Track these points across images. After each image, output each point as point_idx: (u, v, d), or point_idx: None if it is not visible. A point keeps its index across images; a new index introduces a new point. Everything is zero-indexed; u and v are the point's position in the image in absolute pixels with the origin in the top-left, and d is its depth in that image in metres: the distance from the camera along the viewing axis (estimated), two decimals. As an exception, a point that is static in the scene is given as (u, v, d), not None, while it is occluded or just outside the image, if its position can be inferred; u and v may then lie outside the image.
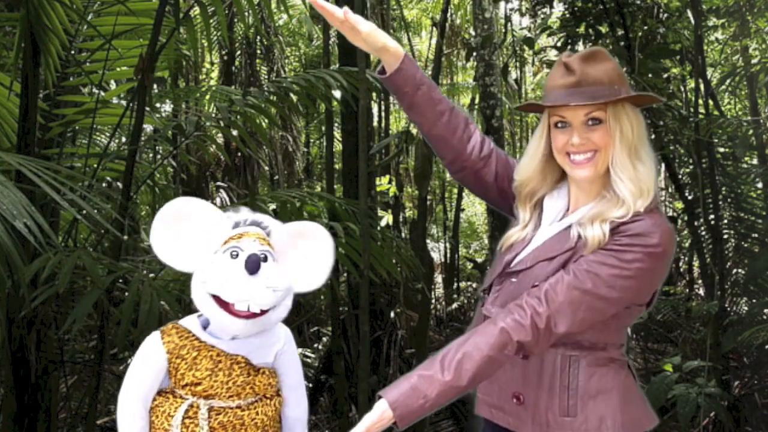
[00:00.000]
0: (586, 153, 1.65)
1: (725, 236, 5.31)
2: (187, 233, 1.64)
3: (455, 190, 11.68)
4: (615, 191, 1.63)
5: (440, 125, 1.85)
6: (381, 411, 1.55)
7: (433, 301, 8.81)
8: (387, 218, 7.18)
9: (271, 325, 1.67)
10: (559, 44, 5.33)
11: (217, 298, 1.58)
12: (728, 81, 6.98)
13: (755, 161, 6.34)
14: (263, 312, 1.60)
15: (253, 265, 1.56)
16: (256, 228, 1.67)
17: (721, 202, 5.25)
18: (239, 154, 9.23)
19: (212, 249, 1.64)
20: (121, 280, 3.30)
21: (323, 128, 8.76)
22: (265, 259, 1.61)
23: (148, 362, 1.64)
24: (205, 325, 1.68)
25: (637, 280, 1.59)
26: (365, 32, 1.76)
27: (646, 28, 5.19)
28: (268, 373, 1.69)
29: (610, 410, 1.63)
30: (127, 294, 2.83)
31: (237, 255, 1.59)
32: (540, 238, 1.74)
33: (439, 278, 10.60)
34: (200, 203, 1.69)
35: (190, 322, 1.68)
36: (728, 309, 5.03)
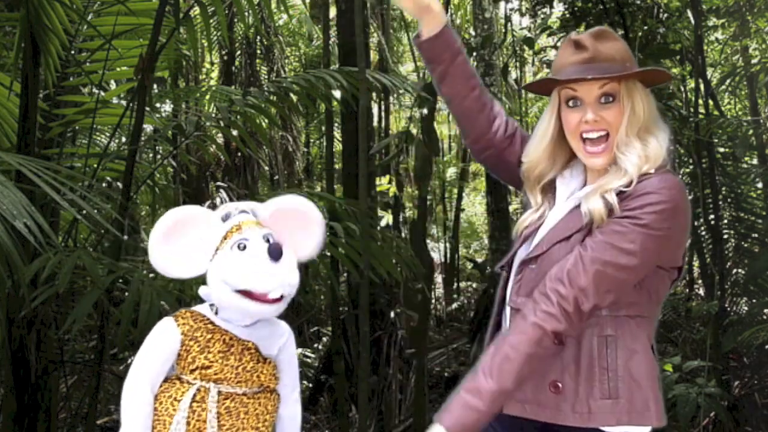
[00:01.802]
0: (599, 132, 1.63)
1: (725, 236, 5.31)
2: (187, 241, 1.65)
3: (455, 190, 11.69)
4: (619, 164, 1.62)
5: (471, 99, 1.82)
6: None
7: (433, 301, 8.82)
8: (387, 218, 7.18)
9: (288, 301, 1.68)
10: (559, 44, 5.33)
11: (244, 293, 1.60)
12: (728, 81, 6.99)
13: (755, 161, 6.34)
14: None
15: (277, 252, 1.59)
16: (247, 215, 1.69)
17: (721, 202, 5.25)
18: (239, 154, 9.22)
19: (211, 248, 1.65)
20: (121, 280, 3.30)
21: (323, 128, 8.76)
22: (269, 242, 1.63)
23: (162, 344, 1.64)
24: (215, 312, 1.70)
25: (655, 241, 1.56)
26: None
27: (646, 28, 5.19)
28: (273, 364, 1.72)
29: (653, 393, 1.61)
30: (127, 294, 2.83)
31: (245, 247, 1.61)
32: (553, 218, 1.72)
33: (439, 278, 10.61)
34: (193, 209, 1.70)
35: (202, 308, 1.70)
36: (728, 309, 5.03)
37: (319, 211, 1.77)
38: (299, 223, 1.73)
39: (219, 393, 1.62)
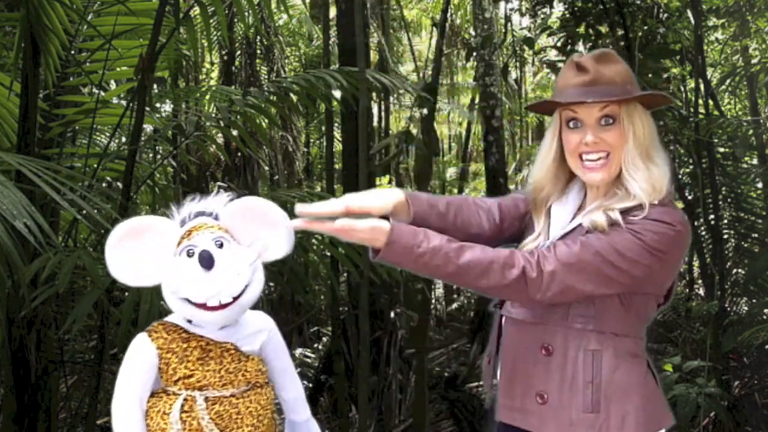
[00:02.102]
0: (599, 153, 1.64)
1: (725, 236, 5.31)
2: (143, 250, 1.63)
3: (455, 191, 11.68)
4: (627, 188, 1.63)
5: (458, 229, 1.78)
6: (378, 225, 1.55)
7: (433, 301, 8.81)
8: (387, 218, 7.16)
9: (250, 303, 1.66)
10: (559, 44, 5.33)
11: (187, 300, 1.59)
12: (728, 81, 6.99)
13: (755, 161, 6.34)
14: (237, 296, 1.60)
15: (207, 261, 1.56)
16: (203, 218, 1.67)
17: (721, 202, 5.25)
18: (239, 154, 9.22)
19: (169, 256, 1.63)
20: (121, 280, 3.29)
21: (323, 128, 8.76)
22: (221, 246, 1.61)
23: (140, 361, 1.63)
24: (190, 319, 1.68)
25: (649, 259, 1.57)
26: (378, 207, 1.64)
27: (646, 28, 5.18)
28: (257, 360, 1.70)
29: (632, 407, 1.63)
30: (127, 294, 2.83)
31: (193, 253, 1.59)
32: (551, 239, 1.73)
33: (439, 278, 10.59)
34: (143, 219, 1.68)
35: (175, 317, 1.68)
36: (728, 309, 5.03)
37: (277, 208, 1.72)
38: (261, 223, 1.69)
39: (206, 399, 1.61)
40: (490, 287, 1.60)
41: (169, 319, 1.69)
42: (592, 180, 1.67)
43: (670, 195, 1.65)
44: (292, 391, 1.82)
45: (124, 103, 4.40)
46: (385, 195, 1.69)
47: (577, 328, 1.63)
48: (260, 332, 1.74)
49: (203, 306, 1.58)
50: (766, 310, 4.95)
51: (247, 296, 1.62)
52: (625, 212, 1.61)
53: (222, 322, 1.64)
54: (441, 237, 1.58)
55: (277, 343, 1.78)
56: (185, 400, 1.60)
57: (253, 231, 1.67)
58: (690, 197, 5.37)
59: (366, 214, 1.62)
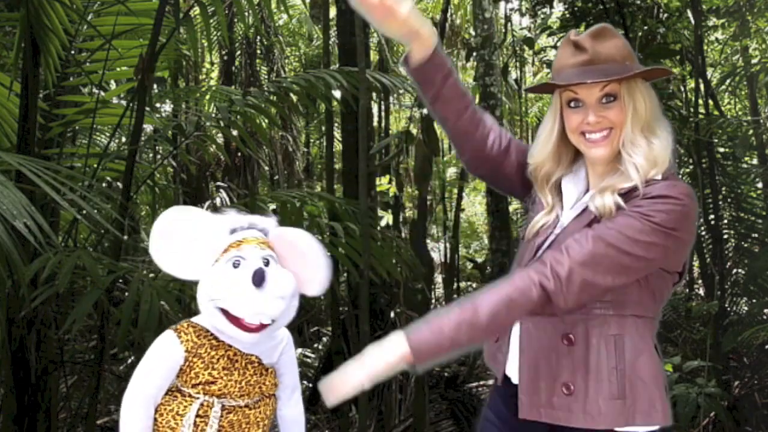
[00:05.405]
0: (602, 131, 1.63)
1: (725, 236, 5.31)
2: (186, 243, 1.62)
3: (455, 190, 11.67)
4: (626, 166, 1.62)
5: (465, 118, 1.79)
6: (399, 350, 1.52)
7: (433, 301, 8.81)
8: (387, 218, 7.18)
9: (278, 329, 1.67)
10: (559, 44, 5.33)
11: (226, 312, 1.57)
12: (728, 81, 6.98)
13: (755, 161, 6.34)
14: (272, 321, 1.60)
15: (260, 278, 1.54)
16: (254, 231, 1.66)
17: (721, 202, 5.25)
18: (239, 154, 9.22)
19: (212, 257, 1.62)
20: (121, 280, 3.30)
21: (323, 128, 8.76)
22: (268, 264, 1.60)
23: (165, 360, 1.62)
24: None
25: (663, 238, 1.55)
26: (404, 15, 1.63)
27: (646, 28, 5.19)
28: (273, 372, 1.71)
29: (658, 393, 1.62)
30: (127, 294, 2.83)
31: (239, 264, 1.57)
32: (564, 222, 1.72)
33: (439, 278, 10.60)
34: (196, 212, 1.66)
35: (204, 320, 1.67)
36: (728, 309, 5.03)
37: (322, 251, 1.71)
38: (300, 258, 1.69)
39: (222, 407, 1.61)
40: (523, 316, 1.60)
41: (197, 320, 1.67)
42: (596, 155, 1.66)
43: (672, 168, 1.64)
44: (294, 409, 1.80)
45: (124, 103, 4.41)
46: (420, 21, 1.68)
47: (597, 314, 1.62)
48: (280, 343, 1.75)
49: (237, 321, 1.57)
50: (766, 310, 4.95)
51: (279, 322, 1.62)
52: (627, 193, 1.59)
53: (248, 342, 1.63)
54: (450, 312, 1.56)
55: (290, 358, 1.78)
56: (201, 405, 1.60)
57: (294, 261, 1.67)
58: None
59: (390, 12, 1.63)
